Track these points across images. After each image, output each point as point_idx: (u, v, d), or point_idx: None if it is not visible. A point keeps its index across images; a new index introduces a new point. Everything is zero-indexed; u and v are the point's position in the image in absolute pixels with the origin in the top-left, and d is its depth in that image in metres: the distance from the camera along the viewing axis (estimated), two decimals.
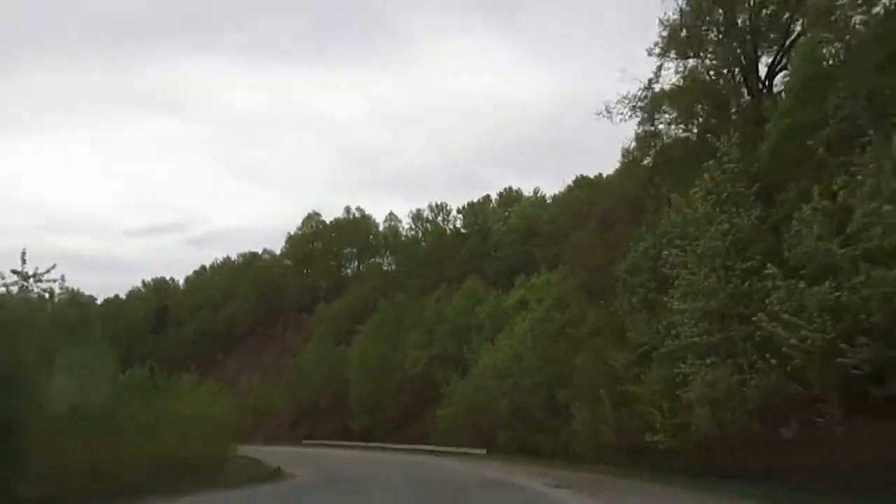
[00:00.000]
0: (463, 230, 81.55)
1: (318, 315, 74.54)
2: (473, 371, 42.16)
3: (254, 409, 69.97)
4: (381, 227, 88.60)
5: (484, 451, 38.95)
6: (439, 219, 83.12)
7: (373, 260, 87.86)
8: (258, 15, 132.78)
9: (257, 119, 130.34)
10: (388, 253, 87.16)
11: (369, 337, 57.45)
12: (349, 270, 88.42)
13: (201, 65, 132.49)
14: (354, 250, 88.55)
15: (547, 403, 30.89)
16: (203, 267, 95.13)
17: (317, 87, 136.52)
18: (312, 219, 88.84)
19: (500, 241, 74.55)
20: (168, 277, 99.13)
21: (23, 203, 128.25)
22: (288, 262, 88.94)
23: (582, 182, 71.83)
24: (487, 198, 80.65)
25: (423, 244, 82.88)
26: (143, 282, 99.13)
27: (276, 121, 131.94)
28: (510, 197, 79.10)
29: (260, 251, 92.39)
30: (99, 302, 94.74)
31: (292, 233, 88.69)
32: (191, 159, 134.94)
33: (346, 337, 63.70)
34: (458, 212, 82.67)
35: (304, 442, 61.20)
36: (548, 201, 75.04)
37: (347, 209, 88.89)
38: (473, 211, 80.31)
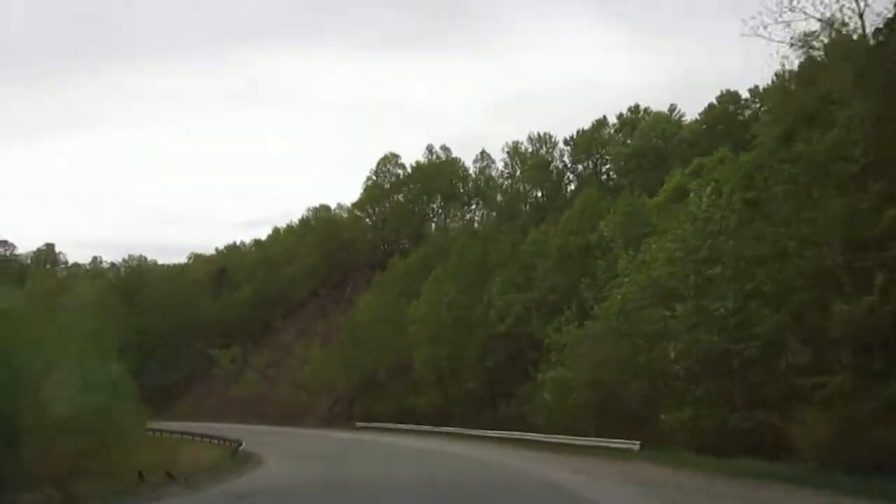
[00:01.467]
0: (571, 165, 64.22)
1: (389, 270, 59.04)
2: (603, 312, 25.09)
3: (309, 383, 55.74)
4: (471, 171, 72.27)
5: (636, 445, 21.96)
6: (542, 151, 65.69)
7: (461, 211, 71.66)
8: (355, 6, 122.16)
9: (359, 109, 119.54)
10: (478, 200, 70.74)
11: (441, 285, 41.13)
12: (433, 222, 72.59)
13: (302, 57, 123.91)
14: (439, 200, 72.53)
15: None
16: (276, 229, 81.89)
17: (415, 76, 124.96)
18: (389, 160, 73.54)
19: (621, 171, 56.72)
20: (238, 241, 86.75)
21: (138, 195, 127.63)
22: (359, 213, 74.10)
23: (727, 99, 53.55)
24: (603, 121, 62.42)
25: (523, 185, 65.98)
26: (217, 249, 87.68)
27: (378, 109, 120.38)
28: (632, 120, 60.53)
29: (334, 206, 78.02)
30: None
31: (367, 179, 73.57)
32: (293, 152, 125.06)
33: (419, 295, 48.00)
34: (566, 142, 64.95)
35: (357, 425, 45.93)
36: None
37: (430, 149, 72.98)
38: (585, 139, 62.38)
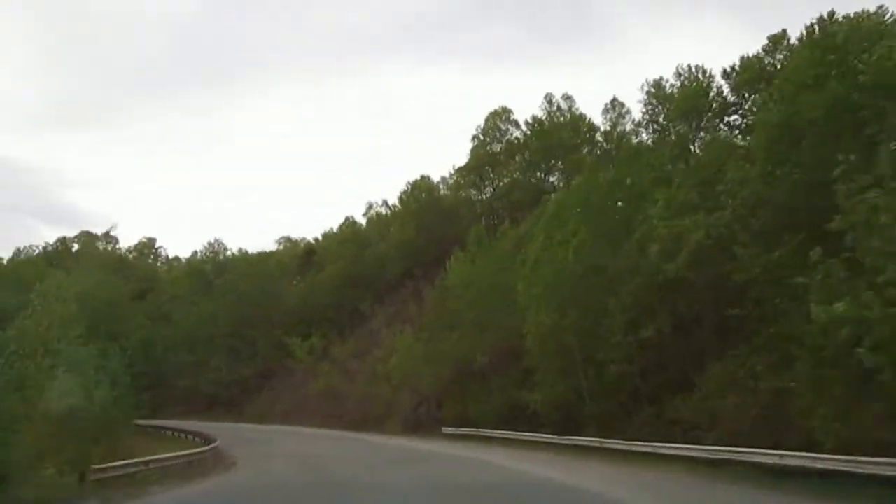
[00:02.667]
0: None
1: (498, 239, 45.73)
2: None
3: (392, 378, 43.46)
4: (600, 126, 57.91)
5: None
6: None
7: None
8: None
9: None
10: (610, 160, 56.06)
11: (563, 221, 27.39)
12: (552, 183, 58.74)
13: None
14: (559, 162, 58.66)
15: None
16: (370, 204, 70.86)
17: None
18: (499, 116, 60.71)
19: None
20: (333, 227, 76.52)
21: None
22: (462, 179, 61.56)
23: None
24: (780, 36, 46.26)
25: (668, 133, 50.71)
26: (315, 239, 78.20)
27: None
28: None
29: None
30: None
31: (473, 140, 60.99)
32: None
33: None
34: (725, 75, 49.18)
35: (444, 432, 33.07)
36: None
37: (549, 99, 59.35)
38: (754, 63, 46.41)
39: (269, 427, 45.95)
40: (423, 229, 59.63)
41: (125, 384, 24.25)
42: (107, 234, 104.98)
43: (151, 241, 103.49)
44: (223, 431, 39.51)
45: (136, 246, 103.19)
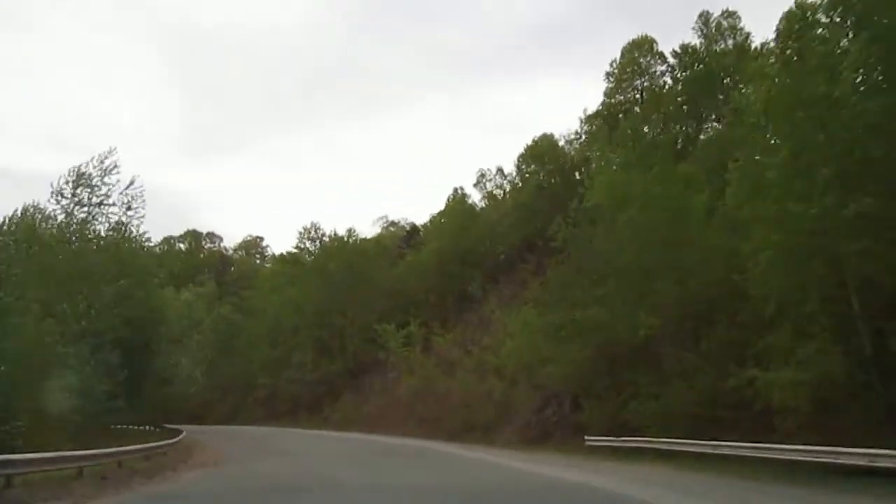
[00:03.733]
0: None
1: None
2: None
3: (507, 370, 31.68)
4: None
5: None
6: None
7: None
8: None
9: None
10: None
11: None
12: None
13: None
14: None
15: None
16: (482, 174, 59.38)
17: None
18: (640, 46, 47.69)
19: None
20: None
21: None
22: (592, 126, 48.80)
23: None
24: None
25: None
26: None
27: None
28: None
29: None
30: None
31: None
32: None
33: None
34: None
35: (587, 441, 20.67)
36: None
37: (705, 18, 45.62)
38: None
39: (347, 436, 35.37)
40: (544, 195, 47.54)
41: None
42: (211, 234, 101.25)
43: (257, 239, 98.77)
44: (281, 443, 29.44)
45: (240, 244, 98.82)
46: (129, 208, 31.04)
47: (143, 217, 32.99)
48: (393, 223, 69.68)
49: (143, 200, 31.47)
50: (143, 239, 38.73)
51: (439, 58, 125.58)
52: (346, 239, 52.62)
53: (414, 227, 61.55)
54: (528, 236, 46.64)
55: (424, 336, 43.20)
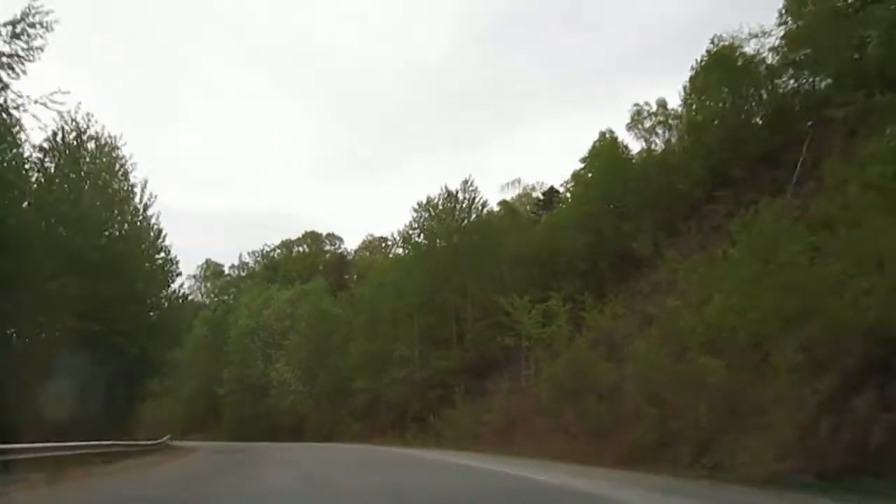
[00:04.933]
0: None
1: None
2: None
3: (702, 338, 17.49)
4: None
5: None
6: None
7: None
8: None
9: None
10: None
11: None
12: None
13: None
14: None
15: None
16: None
17: None
18: None
19: None
20: None
21: None
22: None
23: None
24: None
25: None
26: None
27: None
28: None
29: None
30: None
31: None
32: None
33: None
34: None
35: None
36: None
37: None
38: None
39: (467, 463, 21.98)
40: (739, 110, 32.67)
41: None
42: (331, 235, 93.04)
43: (380, 239, 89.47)
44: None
45: (362, 245, 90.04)
46: None
47: None
48: (525, 188, 56.51)
49: None
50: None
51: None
52: (463, 200, 39.70)
53: (551, 190, 47.95)
54: (721, 170, 31.82)
55: (571, 315, 29.39)
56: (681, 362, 17.82)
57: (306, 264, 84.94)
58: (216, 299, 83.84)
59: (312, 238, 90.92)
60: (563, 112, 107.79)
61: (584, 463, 17.86)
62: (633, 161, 39.70)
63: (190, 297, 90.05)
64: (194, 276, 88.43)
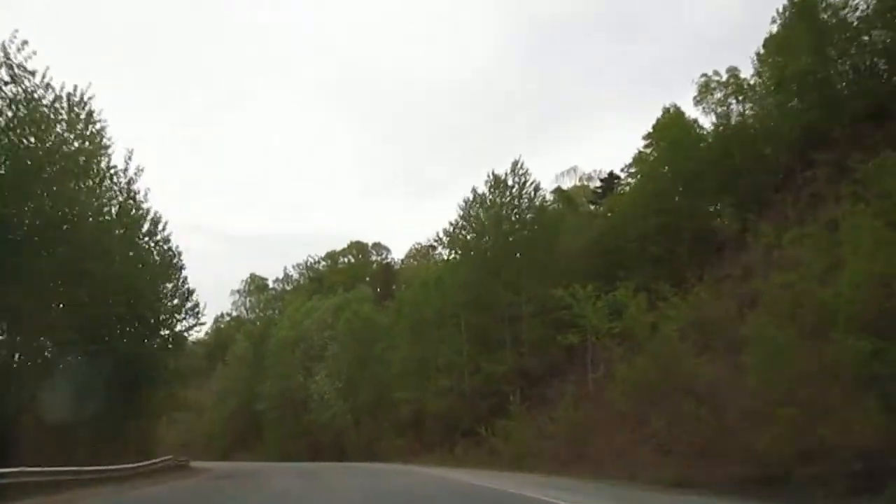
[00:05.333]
0: None
1: None
2: None
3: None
4: None
5: None
6: None
7: None
8: None
9: None
10: None
11: None
12: None
13: None
14: None
15: None
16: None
17: None
18: None
19: None
20: None
21: None
22: None
23: None
24: None
25: None
26: None
27: None
28: None
29: None
30: None
31: None
32: None
33: None
34: None
35: None
36: None
37: None
38: None
39: (531, 495, 17.46)
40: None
41: None
42: (378, 245, 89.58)
43: (429, 248, 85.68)
44: None
45: (410, 252, 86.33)
46: None
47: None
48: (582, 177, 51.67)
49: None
50: None
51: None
52: (513, 186, 35.09)
53: (611, 177, 43.06)
54: (813, 132, 26.75)
55: (647, 305, 24.62)
56: (820, 344, 13.01)
57: (351, 275, 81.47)
58: (260, 314, 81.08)
59: (358, 248, 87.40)
60: (612, 118, 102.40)
61: (692, 487, 13.20)
62: (706, 136, 34.90)
63: (234, 314, 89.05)
64: (238, 292, 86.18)
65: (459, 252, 35.97)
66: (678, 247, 29.09)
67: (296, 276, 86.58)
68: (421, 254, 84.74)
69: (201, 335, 28.23)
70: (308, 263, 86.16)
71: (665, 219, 30.26)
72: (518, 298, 31.33)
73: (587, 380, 25.86)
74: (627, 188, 37.33)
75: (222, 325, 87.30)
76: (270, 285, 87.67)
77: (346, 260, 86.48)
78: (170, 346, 26.36)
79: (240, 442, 56.79)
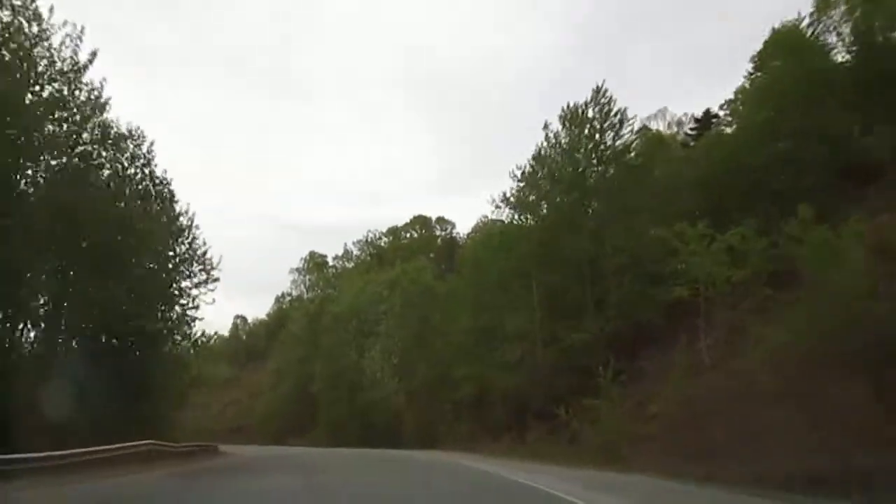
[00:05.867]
0: None
1: None
2: None
3: None
4: None
5: None
6: None
7: None
8: None
9: None
10: None
11: None
12: None
13: None
14: None
15: None
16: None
17: None
18: None
19: None
20: None
21: None
22: None
23: None
24: None
25: None
26: None
27: None
28: None
29: None
30: None
31: None
32: None
33: None
34: None
35: None
36: None
37: None
38: None
39: None
40: None
41: None
42: (441, 219, 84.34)
43: (494, 221, 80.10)
44: None
45: (476, 226, 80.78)
46: None
47: None
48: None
49: None
50: None
51: None
52: (593, 118, 28.69)
53: (708, 115, 36.18)
54: None
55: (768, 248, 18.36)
56: None
57: (414, 250, 76.54)
58: (319, 292, 77.31)
59: (421, 223, 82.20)
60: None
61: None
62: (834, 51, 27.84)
63: (293, 294, 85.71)
64: (297, 270, 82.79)
65: (532, 199, 29.78)
66: (806, 179, 22.38)
67: (356, 252, 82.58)
68: (487, 227, 79.36)
69: (211, 298, 23.17)
70: (368, 239, 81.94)
71: (789, 145, 23.56)
72: (602, 251, 25.27)
73: (700, 347, 19.71)
74: (729, 128, 30.60)
75: (284, 306, 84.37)
76: (330, 263, 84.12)
77: (408, 235, 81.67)
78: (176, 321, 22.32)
79: (295, 426, 52.86)
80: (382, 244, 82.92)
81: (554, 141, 29.38)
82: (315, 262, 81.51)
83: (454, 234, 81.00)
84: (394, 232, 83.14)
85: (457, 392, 30.50)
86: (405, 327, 38.99)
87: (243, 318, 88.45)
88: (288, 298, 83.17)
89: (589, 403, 20.79)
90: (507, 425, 26.76)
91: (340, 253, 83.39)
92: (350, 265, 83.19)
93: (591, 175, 27.24)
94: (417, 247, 76.44)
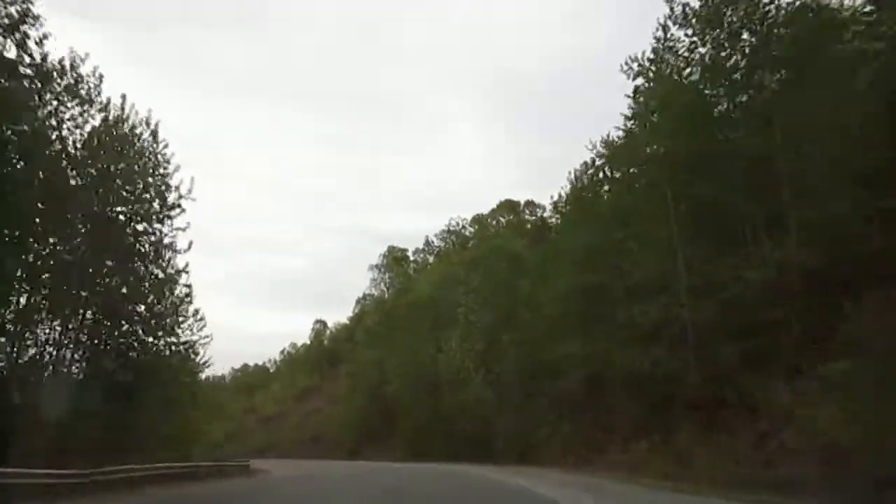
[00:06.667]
0: None
1: None
2: None
3: None
4: None
5: None
6: None
7: None
8: None
9: None
10: None
11: None
12: None
13: None
14: None
15: None
16: None
17: None
18: None
19: None
20: None
21: None
22: None
23: None
24: None
25: None
26: None
27: None
28: None
29: None
30: None
31: None
32: None
33: None
34: None
35: None
36: None
37: None
38: None
39: None
40: None
41: None
42: (531, 203, 75.58)
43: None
44: None
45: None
46: None
47: None
48: None
49: None
50: None
51: None
52: None
53: None
54: None
55: None
56: None
57: (496, 235, 68.15)
58: (400, 287, 70.30)
59: (509, 208, 73.62)
60: None
61: None
62: None
63: (372, 293, 78.98)
64: (377, 267, 76.28)
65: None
66: None
67: (437, 243, 75.23)
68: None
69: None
70: (450, 227, 74.39)
71: None
72: (781, 149, 16.03)
73: None
74: None
75: (366, 309, 78.17)
76: (411, 257, 77.13)
77: (494, 222, 73.35)
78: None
79: (372, 436, 45.42)
80: (467, 234, 75.17)
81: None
82: (394, 257, 74.76)
83: (545, 219, 72.33)
84: (479, 220, 75.20)
85: (559, 381, 21.76)
86: (489, 306, 30.64)
87: (323, 323, 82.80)
88: (367, 299, 76.93)
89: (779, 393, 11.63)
90: (636, 425, 17.89)
91: (421, 246, 76.44)
92: (431, 258, 75.98)
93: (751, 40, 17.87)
94: (505, 234, 67.97)
